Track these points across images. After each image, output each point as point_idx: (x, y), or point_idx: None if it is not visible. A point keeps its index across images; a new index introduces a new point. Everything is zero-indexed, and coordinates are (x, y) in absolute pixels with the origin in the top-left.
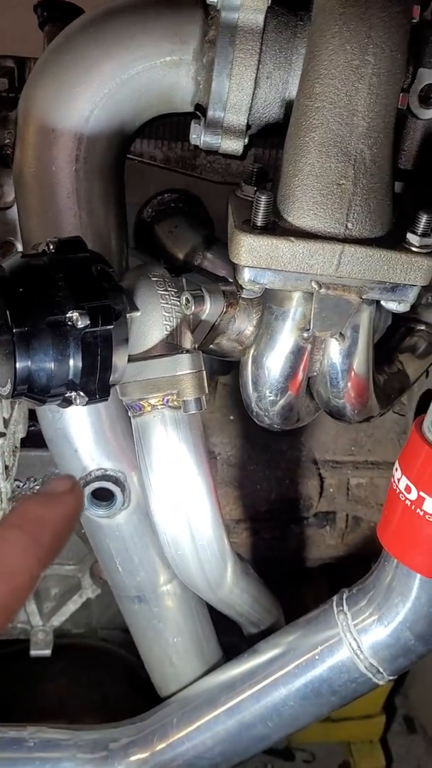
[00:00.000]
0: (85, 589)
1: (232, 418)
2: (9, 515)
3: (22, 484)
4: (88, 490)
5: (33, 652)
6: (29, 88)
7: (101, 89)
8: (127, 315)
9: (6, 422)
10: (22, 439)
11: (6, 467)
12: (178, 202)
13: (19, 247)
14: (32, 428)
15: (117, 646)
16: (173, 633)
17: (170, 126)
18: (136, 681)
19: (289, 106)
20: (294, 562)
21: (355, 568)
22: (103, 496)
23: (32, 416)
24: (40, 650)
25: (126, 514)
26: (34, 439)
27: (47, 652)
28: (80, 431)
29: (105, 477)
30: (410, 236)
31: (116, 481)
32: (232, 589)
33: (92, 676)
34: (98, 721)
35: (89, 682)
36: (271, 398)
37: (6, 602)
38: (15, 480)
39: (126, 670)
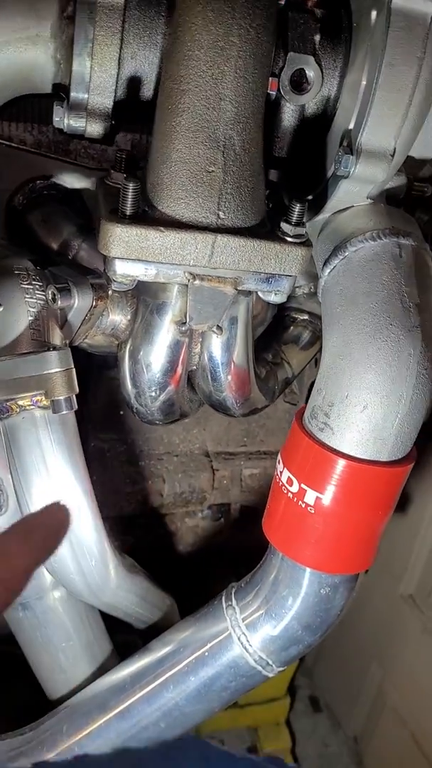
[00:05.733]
0: None
1: (122, 413)
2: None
3: None
4: None
5: None
6: None
7: None
8: None
9: None
10: None
11: None
12: (52, 189)
13: None
14: None
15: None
16: (62, 638)
17: (39, 108)
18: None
19: (157, 89)
20: (190, 555)
21: (256, 557)
22: None
23: None
24: None
25: (4, 520)
26: None
27: None
28: None
29: None
30: (284, 225)
31: None
32: (117, 591)
33: None
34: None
35: None
36: (151, 394)
37: None
38: None
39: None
